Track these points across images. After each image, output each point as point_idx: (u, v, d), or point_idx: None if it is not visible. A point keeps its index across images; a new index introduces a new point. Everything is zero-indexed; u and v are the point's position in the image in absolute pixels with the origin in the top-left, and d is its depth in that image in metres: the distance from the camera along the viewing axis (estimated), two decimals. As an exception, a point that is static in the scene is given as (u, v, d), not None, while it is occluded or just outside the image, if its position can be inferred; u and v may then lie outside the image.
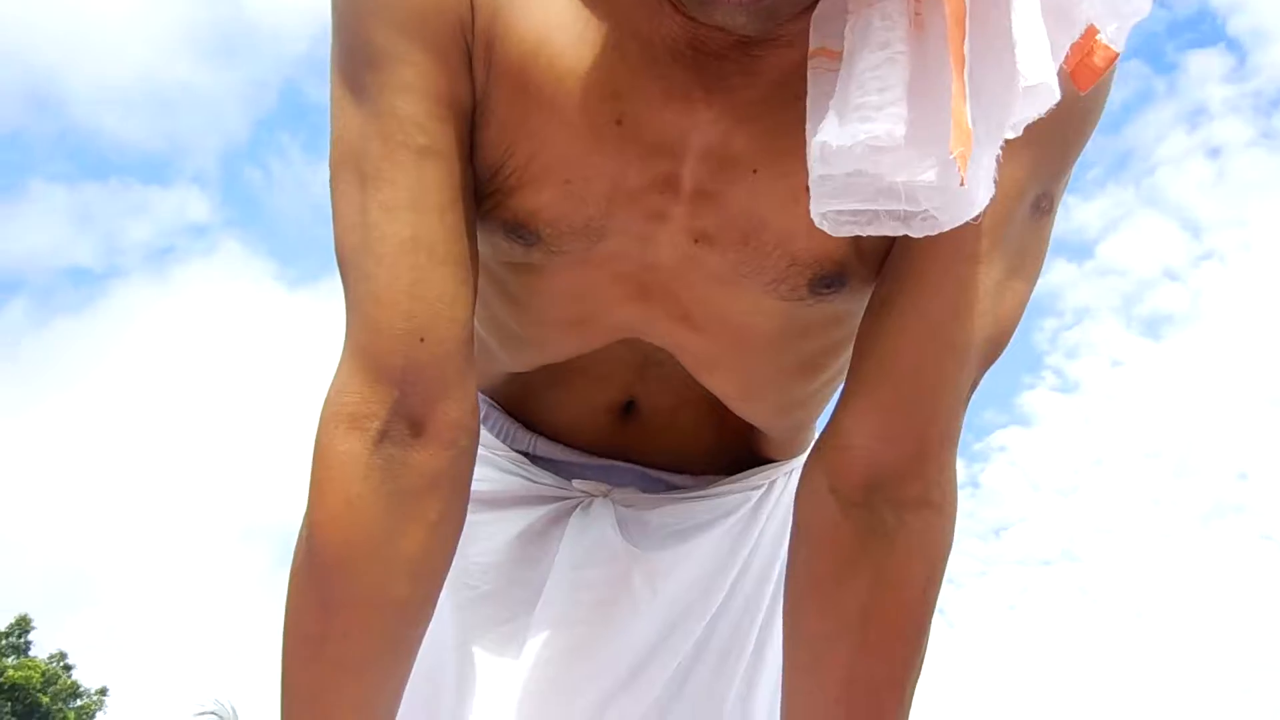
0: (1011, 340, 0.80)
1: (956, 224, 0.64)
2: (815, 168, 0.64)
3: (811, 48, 0.67)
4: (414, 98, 0.72)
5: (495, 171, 0.78)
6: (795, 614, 0.82)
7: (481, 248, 0.82)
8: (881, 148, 0.61)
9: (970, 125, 0.59)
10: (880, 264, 0.80)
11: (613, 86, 0.72)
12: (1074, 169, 0.78)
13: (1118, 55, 0.62)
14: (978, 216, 0.64)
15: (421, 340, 0.72)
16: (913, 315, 0.75)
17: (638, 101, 0.73)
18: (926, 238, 0.73)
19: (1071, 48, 0.62)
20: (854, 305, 0.84)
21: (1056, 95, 0.59)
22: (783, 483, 1.08)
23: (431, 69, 0.72)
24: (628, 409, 1.00)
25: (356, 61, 0.73)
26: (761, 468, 1.06)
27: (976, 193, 0.62)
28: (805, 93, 0.66)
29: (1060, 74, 0.60)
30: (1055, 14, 0.60)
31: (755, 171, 0.75)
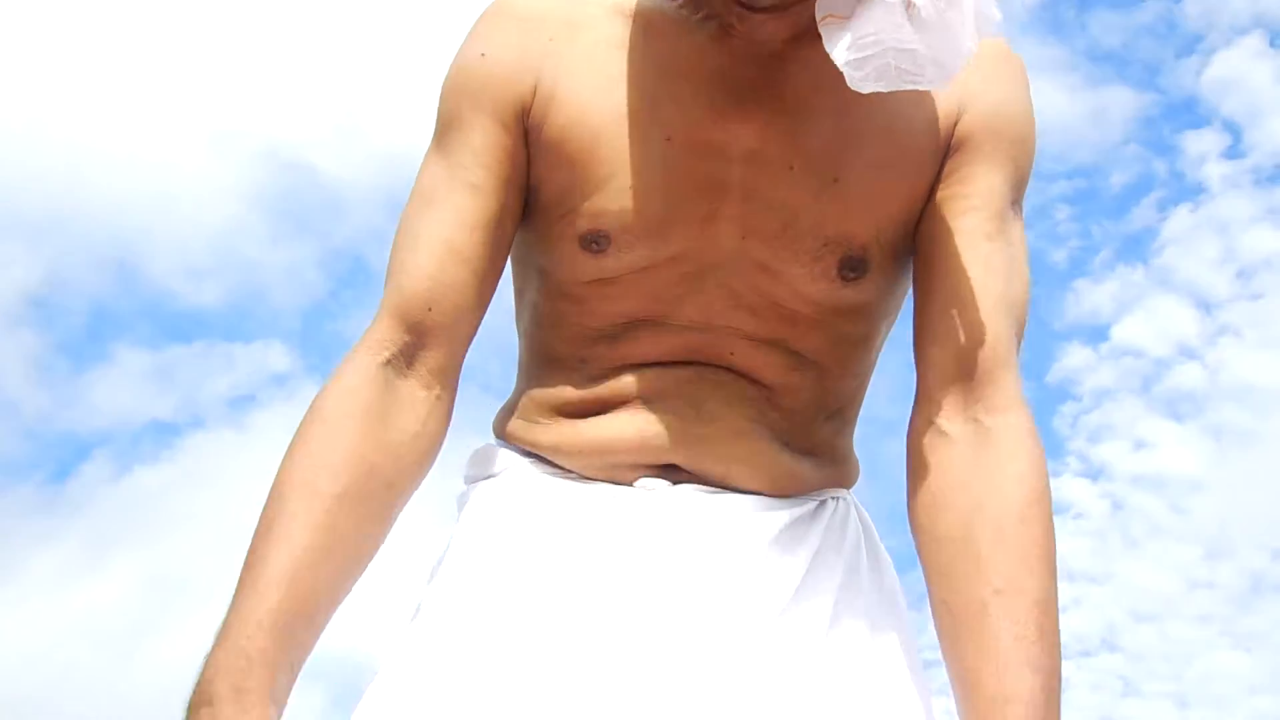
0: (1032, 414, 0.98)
1: (955, 70, 0.84)
2: (842, 57, 0.83)
3: (819, 15, 0.85)
4: (477, 153, 0.97)
5: (566, 192, 0.96)
6: (937, 553, 0.90)
7: (562, 271, 1.00)
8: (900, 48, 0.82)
9: None
10: (895, 254, 0.98)
11: (664, 113, 0.94)
12: (1029, 183, 1.02)
13: None
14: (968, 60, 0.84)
15: (429, 309, 0.96)
16: (960, 268, 0.94)
17: (686, 122, 0.94)
18: (947, 229, 0.97)
19: None
20: (874, 296, 0.99)
21: None
22: (831, 505, 1.09)
23: (496, 135, 0.97)
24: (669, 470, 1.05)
25: (444, 126, 1.00)
26: (814, 493, 1.09)
27: (962, 42, 0.82)
28: (824, 94, 0.92)
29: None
30: None
31: (792, 168, 0.94)
